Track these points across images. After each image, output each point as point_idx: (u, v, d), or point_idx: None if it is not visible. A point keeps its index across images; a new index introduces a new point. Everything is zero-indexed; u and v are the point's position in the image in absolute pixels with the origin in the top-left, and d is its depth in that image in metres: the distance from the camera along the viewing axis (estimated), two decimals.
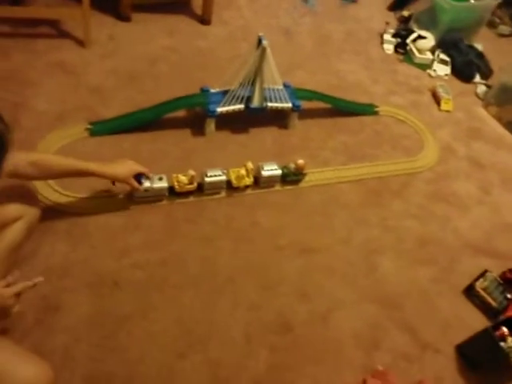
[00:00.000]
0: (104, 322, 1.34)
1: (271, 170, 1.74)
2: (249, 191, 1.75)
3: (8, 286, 1.06)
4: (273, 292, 1.51)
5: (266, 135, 1.98)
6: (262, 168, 1.73)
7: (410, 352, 1.45)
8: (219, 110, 1.83)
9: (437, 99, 2.39)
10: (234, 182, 1.70)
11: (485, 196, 2.00)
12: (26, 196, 1.37)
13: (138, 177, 1.53)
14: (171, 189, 1.64)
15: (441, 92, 2.39)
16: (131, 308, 1.39)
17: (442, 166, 2.08)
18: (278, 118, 2.01)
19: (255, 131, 1.98)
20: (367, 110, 2.21)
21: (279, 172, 1.75)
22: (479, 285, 1.61)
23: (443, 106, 2.35)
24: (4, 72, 1.96)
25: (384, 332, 1.48)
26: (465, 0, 2.70)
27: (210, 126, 1.88)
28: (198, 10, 2.50)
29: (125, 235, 1.54)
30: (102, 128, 1.81)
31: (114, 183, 1.52)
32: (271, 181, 1.76)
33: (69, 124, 1.81)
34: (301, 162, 1.76)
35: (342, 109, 2.14)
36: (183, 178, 1.65)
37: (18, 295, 1.07)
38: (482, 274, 1.64)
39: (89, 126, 1.80)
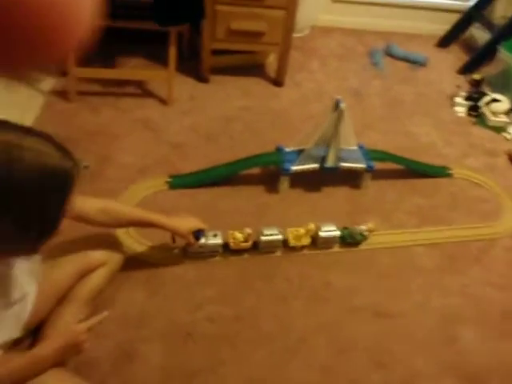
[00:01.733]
0: (177, 375, 1.34)
1: (329, 231, 1.72)
2: (305, 251, 1.73)
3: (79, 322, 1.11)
4: (346, 356, 1.45)
5: (339, 195, 1.98)
6: (320, 229, 1.72)
7: None
8: (294, 168, 1.87)
9: None
10: (291, 242, 1.69)
11: None
12: (111, 243, 1.44)
13: (197, 233, 1.56)
14: (226, 245, 1.65)
15: None
16: (203, 362, 1.38)
17: None
18: (351, 178, 2.01)
19: (328, 190, 1.99)
20: (440, 172, 2.18)
21: (337, 233, 1.73)
22: None
23: None
24: (93, 126, 2.12)
25: None
26: None
27: (284, 183, 1.91)
28: (272, 73, 2.62)
29: (199, 288, 1.56)
30: (181, 182, 1.89)
31: (174, 240, 1.55)
32: (329, 242, 1.74)
33: (150, 177, 1.91)
34: (370, 225, 1.75)
35: (414, 170, 2.12)
36: (239, 236, 1.66)
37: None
38: None
39: (168, 180, 1.89)
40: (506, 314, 1.64)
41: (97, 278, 1.35)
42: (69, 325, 1.19)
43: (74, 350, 1.12)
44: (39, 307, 1.20)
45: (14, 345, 1.16)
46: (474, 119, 2.60)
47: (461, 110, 2.64)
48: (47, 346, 1.10)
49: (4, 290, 1.04)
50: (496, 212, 2.05)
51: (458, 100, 2.67)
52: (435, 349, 1.51)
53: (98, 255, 1.36)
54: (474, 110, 2.62)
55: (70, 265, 1.29)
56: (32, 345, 1.25)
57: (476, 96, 2.67)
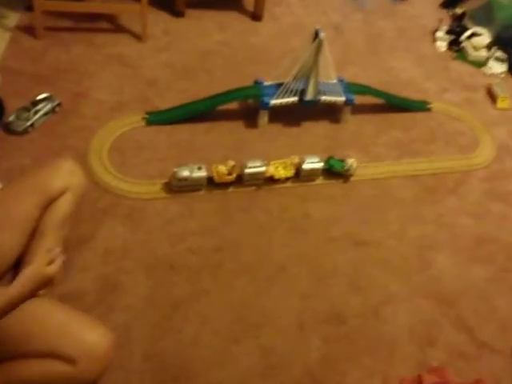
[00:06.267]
0: (160, 304, 1.37)
1: (313, 162, 1.73)
2: (288, 184, 1.74)
3: (51, 262, 1.11)
4: (325, 283, 1.50)
5: (319, 129, 1.98)
6: (304, 161, 1.72)
7: (466, 350, 1.41)
8: (273, 102, 1.84)
9: (492, 97, 2.32)
10: (275, 174, 1.70)
11: None
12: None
13: None
14: (210, 179, 1.65)
15: (497, 90, 2.32)
16: (186, 291, 1.41)
17: (498, 164, 2.01)
18: (331, 113, 2.00)
19: (307, 125, 1.98)
20: (419, 106, 2.18)
21: (321, 165, 1.74)
22: None
23: (500, 104, 2.28)
24: (65, 63, 2.04)
25: (439, 329, 1.45)
26: None
27: (263, 118, 1.89)
28: (250, 7, 2.52)
29: (181, 221, 1.57)
30: (158, 118, 1.85)
31: None
32: (312, 174, 1.75)
33: (126, 114, 1.86)
34: (353, 161, 1.76)
35: (394, 104, 2.11)
36: (223, 168, 1.65)
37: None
38: None
39: (145, 116, 1.85)
40: (479, 241, 1.70)
41: (62, 205, 1.30)
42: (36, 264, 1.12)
43: (43, 285, 1.11)
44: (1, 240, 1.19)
45: None
46: (454, 54, 2.58)
47: (442, 45, 2.60)
48: (14, 286, 1.07)
49: None
50: (473, 145, 2.07)
51: (440, 34, 2.63)
52: (410, 274, 1.57)
53: (55, 182, 1.29)
54: (455, 45, 2.59)
55: (28, 195, 1.24)
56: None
57: (458, 30, 2.63)
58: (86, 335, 1.07)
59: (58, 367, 1.04)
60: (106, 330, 1.11)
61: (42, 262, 1.10)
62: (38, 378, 1.06)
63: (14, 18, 2.18)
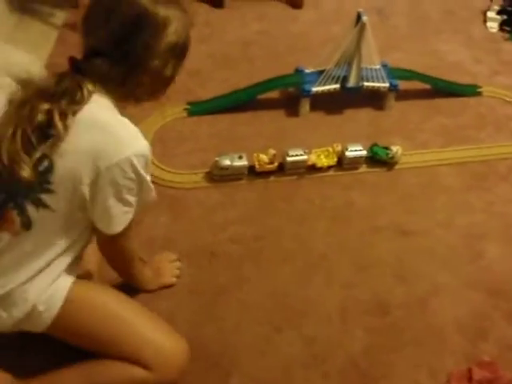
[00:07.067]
0: (203, 291, 1.38)
1: (356, 150, 1.69)
2: (331, 172, 1.71)
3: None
4: (368, 272, 1.47)
5: (362, 116, 1.93)
6: (347, 149, 1.68)
7: None
8: (314, 89, 1.81)
9: None
10: (317, 162, 1.67)
11: None
12: None
13: None
14: (251, 168, 1.64)
15: None
16: (227, 279, 1.42)
17: None
18: (375, 99, 1.95)
19: (350, 112, 1.93)
20: (469, 90, 2.08)
21: (364, 153, 1.70)
22: None
23: None
24: None
25: (490, 322, 1.38)
26: None
27: (305, 106, 1.86)
28: None
29: (222, 210, 1.58)
30: (200, 108, 1.86)
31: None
32: (355, 162, 1.71)
33: (168, 105, 1.88)
34: (398, 148, 1.71)
35: (441, 89, 2.03)
36: (264, 157, 1.64)
37: None
38: None
39: (187, 107, 1.86)
40: None
41: None
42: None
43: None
44: None
45: None
46: (506, 35, 2.45)
47: (493, 26, 2.48)
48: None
49: None
50: None
51: (490, 15, 2.51)
52: (459, 264, 1.51)
53: None
54: (507, 25, 2.46)
55: None
56: None
57: (510, 9, 2.50)
58: (165, 343, 1.09)
59: (136, 373, 1.05)
60: (179, 336, 1.14)
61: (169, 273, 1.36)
62: (116, 382, 1.08)
63: (61, 17, 2.24)
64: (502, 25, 2.47)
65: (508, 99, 2.08)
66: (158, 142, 1.75)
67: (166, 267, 1.38)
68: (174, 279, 1.37)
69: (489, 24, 2.49)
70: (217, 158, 1.61)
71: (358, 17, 1.68)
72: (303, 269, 1.46)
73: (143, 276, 1.29)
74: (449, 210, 1.65)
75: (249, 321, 1.33)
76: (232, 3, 2.41)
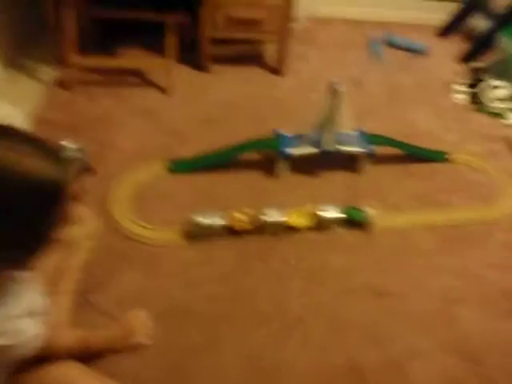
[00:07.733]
0: (173, 351, 1.35)
1: (332, 212, 1.74)
2: (307, 233, 1.73)
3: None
4: (343, 334, 1.46)
5: (338, 179, 1.99)
6: (323, 210, 1.73)
7: None
8: (292, 152, 1.87)
9: None
10: (293, 223, 1.70)
11: None
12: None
13: None
14: (229, 227, 1.65)
15: None
16: (201, 339, 1.39)
17: None
18: (351, 163, 2.01)
19: (327, 174, 1.99)
20: (438, 156, 2.17)
21: (340, 215, 1.74)
22: None
23: None
24: (94, 114, 2.13)
25: None
26: None
27: (283, 168, 1.92)
28: (272, 62, 2.62)
29: (197, 268, 1.57)
30: (181, 166, 1.90)
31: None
32: (331, 223, 1.75)
33: (149, 162, 1.92)
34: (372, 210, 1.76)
35: (413, 155, 2.11)
36: (241, 216, 1.66)
37: None
38: None
39: (168, 164, 1.90)
40: (506, 294, 1.64)
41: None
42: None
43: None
44: None
45: None
46: (473, 106, 2.60)
47: (461, 97, 2.64)
48: (100, 337, 1.28)
49: None
50: (495, 196, 2.04)
51: (458, 87, 2.67)
52: (435, 328, 1.51)
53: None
54: (473, 97, 2.62)
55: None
56: None
57: (476, 83, 2.67)
58: None
59: None
60: None
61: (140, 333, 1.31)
62: None
63: (49, 73, 2.31)
64: (469, 97, 2.63)
65: (475, 166, 2.18)
66: (137, 198, 1.76)
67: (137, 327, 1.34)
68: (145, 340, 1.33)
69: (457, 96, 2.64)
70: (194, 216, 1.62)
71: (333, 86, 1.77)
72: (278, 330, 1.44)
73: (111, 335, 1.28)
74: (424, 272, 1.67)
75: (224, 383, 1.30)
76: (216, 68, 2.52)
